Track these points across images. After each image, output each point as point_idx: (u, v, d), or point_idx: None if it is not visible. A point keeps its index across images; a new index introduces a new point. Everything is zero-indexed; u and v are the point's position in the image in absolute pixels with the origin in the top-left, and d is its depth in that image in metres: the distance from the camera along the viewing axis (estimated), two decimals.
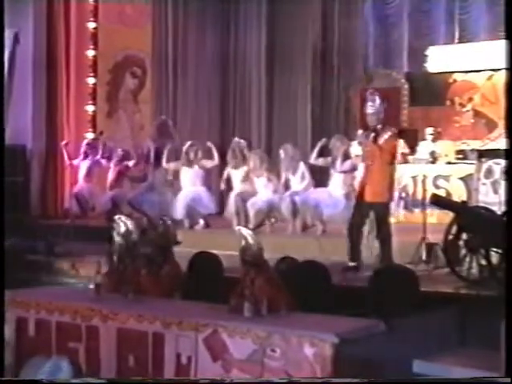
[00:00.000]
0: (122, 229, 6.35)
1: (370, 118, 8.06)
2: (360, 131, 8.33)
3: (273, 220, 10.34)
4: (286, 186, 10.25)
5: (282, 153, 10.35)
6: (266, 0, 14.20)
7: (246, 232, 5.56)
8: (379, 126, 8.03)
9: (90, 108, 13.59)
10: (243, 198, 10.43)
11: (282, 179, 10.27)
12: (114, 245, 6.43)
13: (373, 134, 7.99)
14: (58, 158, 12.98)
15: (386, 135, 7.99)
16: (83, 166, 12.00)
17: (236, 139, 11.06)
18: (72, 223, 11.26)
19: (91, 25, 13.52)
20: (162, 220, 6.51)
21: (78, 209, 11.76)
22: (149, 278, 6.15)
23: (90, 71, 13.56)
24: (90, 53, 13.53)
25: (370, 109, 8.07)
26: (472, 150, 10.87)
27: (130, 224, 6.63)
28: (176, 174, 11.11)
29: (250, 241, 5.46)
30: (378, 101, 8.06)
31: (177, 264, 6.39)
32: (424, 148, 11.60)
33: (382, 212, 8.00)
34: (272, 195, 10.28)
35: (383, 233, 7.95)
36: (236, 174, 10.70)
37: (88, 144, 12.19)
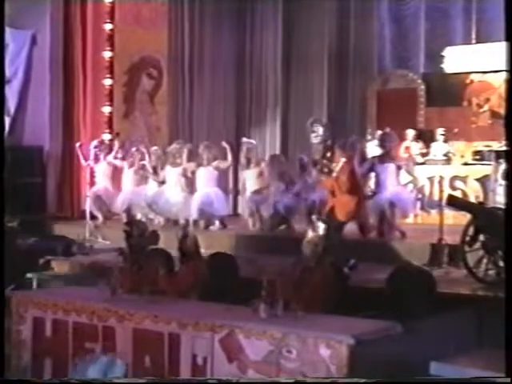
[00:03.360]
0: (137, 230, 6.39)
1: (317, 147, 7.96)
2: (318, 158, 8.25)
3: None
4: (305, 187, 10.21)
5: (299, 157, 10.32)
6: (282, 0, 14.19)
7: (319, 223, 5.61)
8: (328, 154, 7.92)
9: (107, 109, 13.61)
10: (256, 200, 10.42)
11: (301, 180, 10.24)
12: (129, 245, 6.47)
13: (326, 168, 7.91)
14: (74, 159, 13.01)
15: (340, 163, 7.92)
16: (98, 167, 12.01)
17: (245, 139, 11.04)
18: (89, 223, 11.27)
19: (108, 26, 13.56)
20: (185, 222, 6.53)
21: (95, 209, 11.77)
22: (169, 279, 6.16)
23: (107, 72, 13.59)
24: (107, 54, 13.57)
25: (314, 139, 7.95)
26: (489, 151, 10.82)
27: (146, 225, 6.68)
28: (193, 175, 11.11)
29: (321, 232, 5.51)
30: (320, 129, 7.96)
31: (199, 266, 6.38)
32: (437, 149, 11.57)
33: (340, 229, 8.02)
34: (288, 198, 10.25)
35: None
36: (248, 175, 10.69)
37: (95, 147, 12.17)
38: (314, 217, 6.06)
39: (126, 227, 6.61)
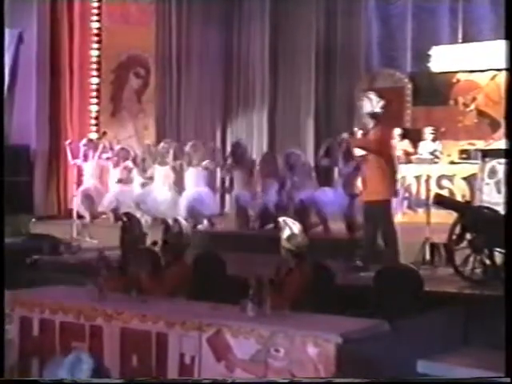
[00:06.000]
0: (131, 226, 6.37)
1: (365, 117, 8.09)
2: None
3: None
4: (293, 186, 10.21)
5: (287, 153, 10.32)
6: None
7: (291, 221, 5.58)
8: (371, 125, 8.00)
9: (94, 108, 13.59)
10: (244, 199, 10.43)
11: (288, 179, 10.24)
12: (120, 243, 6.47)
13: (362, 131, 8.00)
14: (61, 157, 12.99)
15: (376, 128, 7.96)
16: (87, 165, 11.99)
17: (234, 140, 11.05)
18: (76, 223, 11.24)
19: (95, 25, 13.53)
20: (176, 221, 6.49)
21: (84, 208, 11.74)
22: (156, 278, 6.14)
23: (94, 71, 13.56)
24: (94, 53, 13.53)
25: (365, 107, 8.08)
26: (475, 150, 10.86)
27: (139, 223, 6.66)
28: (180, 174, 11.10)
29: (295, 230, 5.49)
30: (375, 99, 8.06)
31: (186, 265, 6.37)
32: (425, 148, 11.61)
33: (380, 210, 7.95)
34: (275, 197, 10.26)
35: (385, 232, 7.93)
36: (236, 175, 10.70)
37: (85, 145, 12.14)
38: (281, 219, 6.04)
39: (125, 218, 6.60)
